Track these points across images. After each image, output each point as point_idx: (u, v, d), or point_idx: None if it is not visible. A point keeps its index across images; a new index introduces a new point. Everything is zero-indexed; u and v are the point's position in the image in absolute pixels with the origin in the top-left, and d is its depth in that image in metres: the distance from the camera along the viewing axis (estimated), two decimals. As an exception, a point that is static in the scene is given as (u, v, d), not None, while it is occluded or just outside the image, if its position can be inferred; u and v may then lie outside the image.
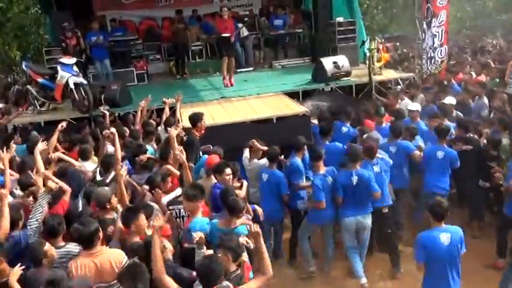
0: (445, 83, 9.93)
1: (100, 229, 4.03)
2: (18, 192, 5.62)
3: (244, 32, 13.40)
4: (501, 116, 7.57)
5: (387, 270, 6.26)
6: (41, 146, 6.19)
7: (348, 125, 7.63)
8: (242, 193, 5.05)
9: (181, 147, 6.03)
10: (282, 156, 6.65)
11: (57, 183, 4.92)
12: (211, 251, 4.02)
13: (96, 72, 11.89)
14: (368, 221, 5.91)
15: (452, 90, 9.49)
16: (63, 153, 6.99)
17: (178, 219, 5.12)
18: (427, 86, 10.03)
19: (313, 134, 7.60)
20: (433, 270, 4.48)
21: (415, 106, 8.03)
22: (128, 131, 7.90)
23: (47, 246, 4.06)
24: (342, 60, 10.25)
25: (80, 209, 5.32)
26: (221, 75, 12.23)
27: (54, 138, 7.21)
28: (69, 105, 9.39)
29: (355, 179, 5.73)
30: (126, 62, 12.74)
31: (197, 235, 4.09)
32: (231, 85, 10.69)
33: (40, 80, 9.19)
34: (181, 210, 5.10)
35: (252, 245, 4.23)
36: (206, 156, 6.32)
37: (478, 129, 7.40)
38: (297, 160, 6.39)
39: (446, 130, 6.68)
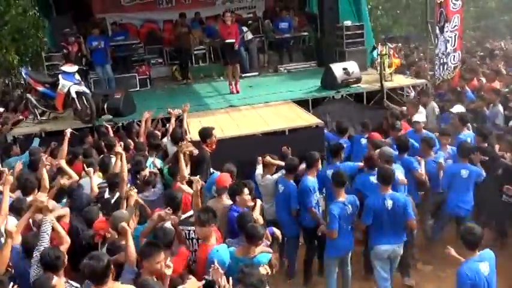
0: (458, 89, 9.64)
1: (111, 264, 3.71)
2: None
3: (249, 36, 13.14)
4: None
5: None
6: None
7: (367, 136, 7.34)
8: (260, 218, 4.73)
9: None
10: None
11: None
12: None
13: (98, 78, 11.56)
14: (402, 249, 5.52)
15: (466, 98, 9.22)
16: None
17: (188, 241, 4.81)
18: (440, 93, 9.74)
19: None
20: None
21: (420, 117, 7.67)
22: (132, 143, 7.59)
23: (55, 280, 3.74)
24: (352, 66, 9.93)
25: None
26: (225, 80, 12.07)
27: (64, 149, 6.94)
28: (71, 113, 9.06)
29: (389, 203, 5.28)
30: (128, 67, 12.45)
31: (215, 272, 3.73)
32: (237, 92, 10.38)
33: (40, 88, 8.84)
34: (191, 231, 4.80)
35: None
36: (217, 173, 6.03)
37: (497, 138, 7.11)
38: (309, 180, 6.03)
39: (469, 148, 6.38)
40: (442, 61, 9.84)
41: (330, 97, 9.45)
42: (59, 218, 4.78)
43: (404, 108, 9.11)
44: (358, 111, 8.99)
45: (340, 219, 5.32)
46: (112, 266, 3.71)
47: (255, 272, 3.77)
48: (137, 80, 12.01)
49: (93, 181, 6.06)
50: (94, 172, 6.42)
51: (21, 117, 10.99)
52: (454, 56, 9.80)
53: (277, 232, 4.94)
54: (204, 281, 3.87)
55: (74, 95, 8.41)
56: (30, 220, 5.25)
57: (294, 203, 6.09)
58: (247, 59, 13.04)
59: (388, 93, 9.65)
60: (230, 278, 3.65)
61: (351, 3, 12.89)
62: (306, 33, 14.04)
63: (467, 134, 7.34)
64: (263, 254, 4.39)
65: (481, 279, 4.12)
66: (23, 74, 9.11)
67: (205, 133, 6.43)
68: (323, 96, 9.47)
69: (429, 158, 6.47)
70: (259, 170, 6.65)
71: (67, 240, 4.46)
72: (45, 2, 13.11)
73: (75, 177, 6.30)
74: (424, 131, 7.47)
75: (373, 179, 5.99)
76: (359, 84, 9.90)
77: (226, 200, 5.44)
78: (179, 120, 7.99)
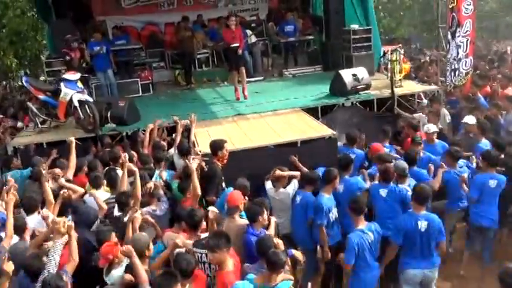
0: (471, 96, 9.41)
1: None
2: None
3: (252, 39, 12.86)
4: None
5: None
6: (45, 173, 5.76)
7: (387, 144, 7.08)
8: (280, 243, 4.47)
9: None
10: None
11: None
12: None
13: (99, 83, 11.26)
14: (436, 274, 5.19)
15: (479, 105, 8.98)
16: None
17: (199, 265, 4.55)
18: (451, 100, 9.51)
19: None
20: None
21: (432, 127, 7.37)
22: (135, 155, 7.31)
23: None
24: (362, 72, 9.67)
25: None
26: (229, 85, 11.84)
27: (72, 160, 6.67)
28: (72, 121, 8.77)
29: (423, 224, 4.92)
30: (130, 72, 12.17)
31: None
32: (245, 98, 10.10)
33: (41, 96, 8.53)
34: (203, 255, 4.52)
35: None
36: (230, 189, 5.75)
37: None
38: (324, 198, 5.72)
39: (496, 156, 6.14)
40: (453, 67, 9.58)
41: (339, 104, 9.19)
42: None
43: (416, 115, 8.89)
44: (368, 119, 8.71)
45: (360, 249, 4.89)
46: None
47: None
48: (139, 85, 11.71)
49: (100, 198, 5.79)
50: (100, 186, 6.20)
51: (20, 123, 10.73)
52: (466, 61, 9.56)
53: (298, 255, 4.68)
54: None
55: (76, 104, 8.13)
56: (28, 239, 5.03)
57: (310, 212, 5.78)
58: (251, 63, 12.77)
59: (398, 100, 9.41)
60: None
61: (355, 6, 12.64)
62: (311, 37, 13.77)
63: (485, 143, 7.11)
64: (284, 281, 4.14)
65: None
66: (24, 81, 8.78)
67: (217, 146, 6.15)
68: (333, 103, 9.20)
69: (453, 169, 6.23)
70: (269, 185, 6.39)
71: (76, 259, 4.28)
72: (44, 4, 12.80)
73: (80, 190, 6.02)
74: (436, 140, 7.25)
75: (383, 192, 5.81)
76: (369, 91, 9.64)
77: (240, 220, 5.17)
78: (186, 129, 7.71)
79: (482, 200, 5.99)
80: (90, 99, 8.23)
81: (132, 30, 14.31)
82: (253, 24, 13.90)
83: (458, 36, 9.44)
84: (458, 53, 9.52)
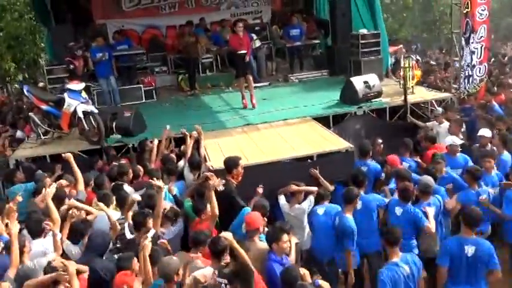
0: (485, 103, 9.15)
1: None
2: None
3: (257, 43, 12.57)
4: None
5: None
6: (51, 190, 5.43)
7: (409, 158, 6.83)
8: (307, 274, 4.20)
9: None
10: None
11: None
12: None
13: (101, 90, 10.92)
14: None
15: (493, 112, 8.74)
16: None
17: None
18: (465, 107, 9.26)
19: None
20: None
21: (457, 140, 7.00)
22: (142, 169, 7.02)
23: None
24: (373, 79, 9.41)
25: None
26: (234, 91, 11.58)
27: (78, 176, 6.36)
28: (75, 131, 8.47)
29: (470, 249, 4.62)
30: (132, 77, 11.86)
31: None
32: (253, 106, 9.82)
33: (44, 107, 8.20)
34: (222, 284, 4.25)
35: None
36: (248, 209, 5.49)
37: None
38: (348, 219, 5.44)
39: None
40: (467, 73, 9.34)
41: (351, 113, 8.93)
42: (77, 272, 4.23)
43: (430, 124, 8.65)
44: (383, 129, 8.44)
45: (393, 286, 4.45)
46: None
47: None
48: (142, 91, 11.41)
49: (112, 217, 5.48)
50: (109, 205, 5.89)
51: (19, 132, 10.40)
52: (480, 68, 9.32)
53: (326, 286, 4.41)
54: None
55: (80, 115, 7.82)
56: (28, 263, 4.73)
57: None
58: (255, 68, 12.49)
59: (411, 107, 9.16)
60: None
61: (362, 9, 12.38)
62: (317, 41, 13.50)
63: (507, 156, 6.86)
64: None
65: None
66: (25, 91, 8.45)
67: (232, 164, 5.88)
68: (344, 112, 8.94)
69: (473, 191, 5.88)
70: (282, 200, 6.13)
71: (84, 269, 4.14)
72: (43, 8, 12.48)
73: (95, 213, 5.71)
74: (458, 153, 6.98)
75: (398, 210, 5.55)
76: (380, 99, 9.38)
77: (260, 243, 4.91)
78: (195, 141, 7.42)
79: None
80: (96, 110, 7.92)
81: (133, 34, 14.01)
82: (257, 28, 13.63)
83: (472, 42, 9.20)
84: (472, 59, 9.28)
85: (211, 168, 6.38)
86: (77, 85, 7.91)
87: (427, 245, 5.53)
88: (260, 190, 6.02)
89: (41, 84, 16.20)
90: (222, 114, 9.65)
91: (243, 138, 7.85)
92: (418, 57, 17.03)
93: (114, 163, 7.26)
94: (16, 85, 18.69)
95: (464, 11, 9.11)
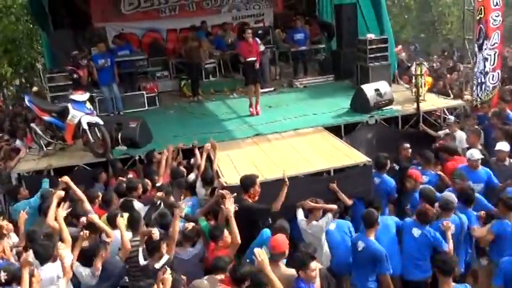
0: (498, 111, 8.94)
1: None
2: None
3: (261, 48, 12.30)
4: None
5: None
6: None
7: (430, 171, 6.62)
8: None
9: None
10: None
11: None
12: None
13: (103, 97, 10.62)
14: None
15: (509, 121, 8.53)
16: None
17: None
18: (479, 115, 9.04)
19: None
20: None
21: (476, 154, 6.63)
22: (150, 183, 6.74)
23: None
24: (384, 86, 9.19)
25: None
26: (238, 97, 11.47)
27: (78, 193, 6.07)
28: (79, 142, 8.17)
29: None
30: (133, 84, 11.56)
31: None
32: (257, 113, 9.60)
33: (47, 118, 7.88)
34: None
35: None
36: (268, 231, 5.24)
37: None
38: (375, 244, 5.22)
39: None
40: (480, 81, 9.14)
41: (363, 122, 8.69)
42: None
43: (441, 132, 8.44)
44: (396, 139, 8.20)
45: None
46: None
47: None
48: (145, 98, 11.11)
49: (126, 237, 5.20)
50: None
51: (18, 142, 10.07)
52: (493, 75, 9.13)
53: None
54: None
55: (85, 127, 7.52)
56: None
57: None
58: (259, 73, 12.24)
59: (423, 116, 8.95)
60: None
61: (368, 14, 12.14)
62: (323, 46, 13.25)
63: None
64: None
65: None
66: (26, 101, 8.12)
67: (249, 183, 5.64)
68: (356, 121, 8.70)
69: (508, 221, 5.41)
70: (300, 215, 5.91)
71: None
72: (40, 12, 12.11)
73: (112, 235, 5.38)
74: (480, 166, 6.72)
75: (416, 232, 5.36)
76: (391, 107, 9.16)
77: (286, 269, 4.67)
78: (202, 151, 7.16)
79: None
80: (101, 122, 7.61)
81: (133, 38, 13.73)
82: (260, 32, 13.37)
83: (485, 48, 9.01)
84: (485, 66, 9.08)
85: (225, 184, 6.11)
86: (81, 96, 7.60)
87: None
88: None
89: (34, 89, 15.85)
90: (229, 122, 9.40)
91: (254, 150, 7.59)
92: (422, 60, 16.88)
93: (120, 178, 6.97)
94: (12, 88, 18.36)
95: (478, 17, 8.89)
